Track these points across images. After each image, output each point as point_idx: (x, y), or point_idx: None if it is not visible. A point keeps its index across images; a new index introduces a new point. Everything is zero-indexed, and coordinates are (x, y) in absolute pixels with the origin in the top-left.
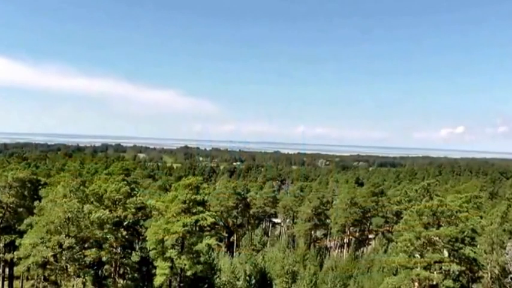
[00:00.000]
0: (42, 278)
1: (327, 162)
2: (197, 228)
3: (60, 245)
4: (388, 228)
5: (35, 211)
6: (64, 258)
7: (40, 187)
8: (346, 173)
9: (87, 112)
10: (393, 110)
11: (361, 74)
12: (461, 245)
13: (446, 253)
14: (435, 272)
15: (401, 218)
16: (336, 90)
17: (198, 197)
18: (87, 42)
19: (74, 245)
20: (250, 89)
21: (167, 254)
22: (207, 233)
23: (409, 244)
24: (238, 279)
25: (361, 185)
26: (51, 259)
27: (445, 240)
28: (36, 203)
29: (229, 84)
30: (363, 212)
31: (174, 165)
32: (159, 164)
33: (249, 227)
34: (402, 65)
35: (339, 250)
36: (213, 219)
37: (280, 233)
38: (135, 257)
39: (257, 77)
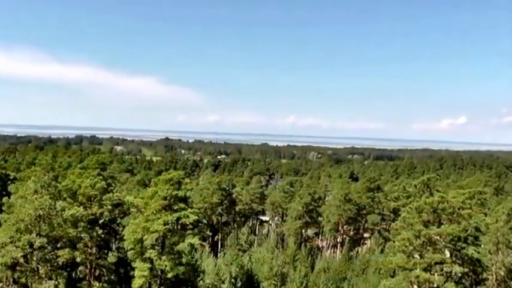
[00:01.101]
0: (11, 280)
1: (319, 155)
2: (179, 227)
3: (31, 245)
4: (385, 226)
5: (3, 208)
6: (35, 259)
7: (9, 182)
8: (339, 167)
9: (59, 101)
10: (390, 99)
11: (355, 59)
12: (464, 245)
13: (447, 253)
14: (436, 274)
15: (399, 215)
16: (328, 77)
17: (180, 193)
18: (60, 27)
19: (46, 245)
20: (235, 77)
21: (146, 255)
22: (190, 232)
23: (407, 243)
24: (223, 282)
25: (356, 179)
26: (21, 260)
27: (447, 240)
28: (4, 199)
29: (214, 71)
30: (358, 209)
31: (154, 159)
32: (138, 157)
33: (235, 225)
34: (399, 49)
35: (332, 250)
36: (196, 217)
37: (268, 231)
38: (111, 257)
39: (242, 63)
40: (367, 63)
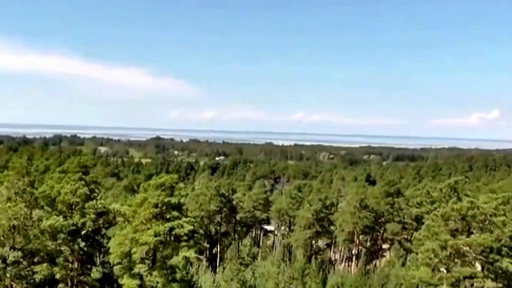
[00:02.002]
0: None
1: (331, 156)
2: (172, 238)
3: (4, 260)
4: (406, 236)
5: None
6: (9, 275)
7: None
8: (354, 169)
9: (35, 96)
10: (412, 92)
11: (370, 47)
12: (497, 257)
13: (478, 266)
14: None
15: (423, 223)
16: (340, 67)
17: (173, 200)
18: (34, 12)
19: (21, 260)
20: (235, 68)
21: (135, 270)
22: (184, 244)
23: (432, 255)
24: None
25: (373, 183)
26: None
27: (478, 251)
28: None
29: (210, 61)
30: (375, 217)
31: (143, 161)
32: (125, 159)
33: (236, 236)
34: (420, 35)
35: (346, 263)
36: (192, 227)
37: (273, 243)
38: (95, 273)
39: (243, 53)
40: (383, 53)
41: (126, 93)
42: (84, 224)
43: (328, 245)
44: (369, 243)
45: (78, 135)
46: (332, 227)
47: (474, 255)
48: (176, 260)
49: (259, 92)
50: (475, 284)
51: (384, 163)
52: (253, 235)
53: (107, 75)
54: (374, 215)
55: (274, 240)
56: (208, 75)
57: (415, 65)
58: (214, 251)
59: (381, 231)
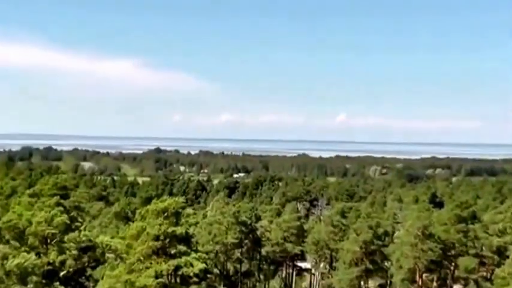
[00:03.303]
0: None
1: (384, 170)
2: (178, 280)
3: None
4: (484, 273)
5: None
6: None
7: None
8: (414, 187)
9: None
10: (490, 87)
11: (431, 34)
12: None
13: None
14: None
15: (507, 257)
16: (395, 58)
17: (179, 230)
18: None
19: None
20: (258, 57)
21: None
22: (195, 287)
23: None
24: None
25: (440, 205)
26: None
27: None
28: None
29: (224, 49)
30: (444, 249)
31: (140, 180)
32: (116, 177)
33: (261, 277)
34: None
35: None
36: (203, 265)
37: (310, 284)
38: None
39: (269, 39)
40: (452, 41)
41: (115, 92)
42: (63, 262)
43: (382, 286)
44: (435, 284)
45: (53, 147)
46: (386, 263)
47: None
48: None
49: (288, 89)
50: None
51: (454, 179)
52: (284, 275)
53: (91, 69)
54: (442, 246)
55: (311, 281)
56: (223, 67)
57: (490, 53)
58: None
59: (451, 267)
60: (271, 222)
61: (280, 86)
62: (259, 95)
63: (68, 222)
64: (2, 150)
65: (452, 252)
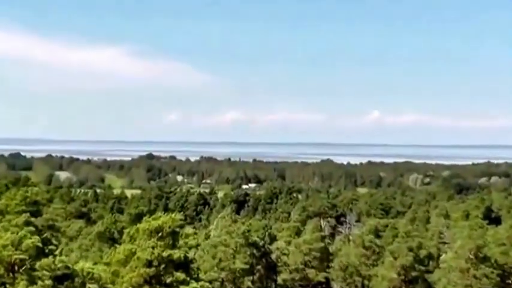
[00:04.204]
0: None
1: (426, 179)
2: None
3: None
4: None
5: None
6: None
7: None
8: (464, 200)
9: None
10: None
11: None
12: None
13: None
14: None
15: None
16: (437, 42)
17: (176, 254)
18: None
19: None
20: (271, 43)
21: None
22: None
23: None
24: None
25: (497, 221)
26: None
27: None
28: None
29: (231, 34)
30: (502, 275)
31: (129, 193)
32: (99, 190)
33: None
34: None
35: None
36: None
37: None
38: None
39: (283, 19)
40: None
41: (98, 86)
42: None
43: None
44: None
45: (22, 153)
46: None
47: None
48: None
49: (308, 81)
50: None
51: None
52: None
53: (67, 58)
54: (499, 272)
55: None
56: (228, 55)
57: None
58: None
59: None
60: (288, 243)
61: (297, 77)
62: (273, 89)
63: (40, 245)
64: None
65: None
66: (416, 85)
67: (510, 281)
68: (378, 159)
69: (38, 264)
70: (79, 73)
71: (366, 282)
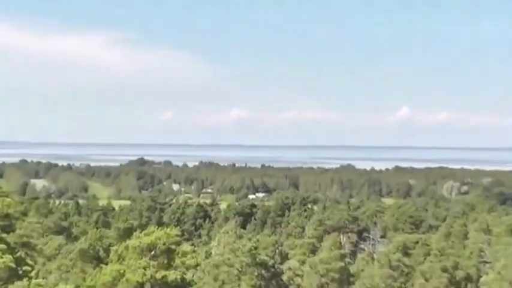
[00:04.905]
0: None
1: (464, 188)
2: None
3: None
4: None
5: None
6: None
7: None
8: (509, 212)
9: None
10: None
11: None
12: None
13: None
14: None
15: None
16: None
17: (172, 276)
18: None
19: None
20: (281, 28)
21: None
22: None
23: None
24: None
25: None
26: None
27: None
28: None
29: (235, 18)
30: None
31: (116, 204)
32: (81, 201)
33: None
34: None
35: None
36: None
37: None
38: None
39: (297, 7)
40: None
41: (79, 80)
42: None
43: None
44: None
45: None
46: None
47: None
48: None
49: (324, 73)
50: None
51: None
52: None
53: (43, 46)
54: None
55: None
56: (232, 43)
57: None
58: None
59: None
60: (303, 262)
61: (312, 69)
62: (284, 83)
63: (13, 265)
64: None
65: None
66: (449, 77)
67: None
68: (406, 164)
69: None
70: (54, 64)
71: None
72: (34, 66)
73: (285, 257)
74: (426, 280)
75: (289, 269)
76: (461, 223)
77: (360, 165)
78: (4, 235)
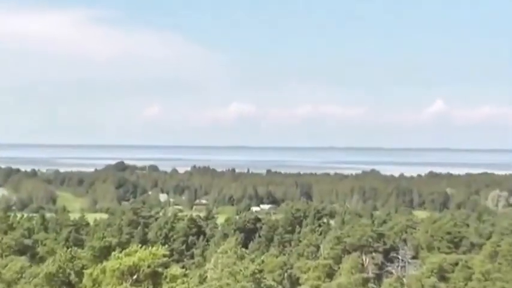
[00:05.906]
0: None
1: None
2: None
3: None
4: None
5: None
6: None
7: None
8: None
9: None
10: None
11: None
12: None
13: None
14: None
15: None
16: None
17: None
18: None
19: None
20: (287, 8)
21: None
22: None
23: None
24: None
25: None
26: None
27: None
28: None
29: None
30: None
31: (91, 218)
32: (49, 214)
33: None
34: None
35: None
36: None
37: None
38: None
39: None
40: None
41: (47, 67)
42: None
43: None
44: None
45: None
46: None
47: None
48: None
49: (339, 62)
50: None
51: None
52: None
53: (5, 24)
54: None
55: None
56: (232, 26)
57: None
58: None
59: None
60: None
61: (327, 58)
62: (293, 73)
63: None
64: None
65: None
66: (491, 67)
67: None
68: (442, 170)
69: None
70: (15, 48)
71: None
72: None
73: (295, 282)
74: None
75: None
76: (510, 241)
77: (386, 170)
78: None
